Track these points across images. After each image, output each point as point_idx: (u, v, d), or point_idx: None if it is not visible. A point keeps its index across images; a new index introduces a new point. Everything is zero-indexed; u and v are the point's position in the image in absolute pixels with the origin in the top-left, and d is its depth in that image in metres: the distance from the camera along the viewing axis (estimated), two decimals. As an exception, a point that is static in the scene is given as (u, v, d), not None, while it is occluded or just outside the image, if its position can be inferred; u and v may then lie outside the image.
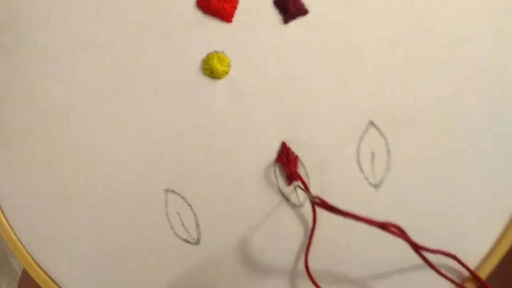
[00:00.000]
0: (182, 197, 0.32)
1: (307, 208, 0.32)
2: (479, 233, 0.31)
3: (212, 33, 0.31)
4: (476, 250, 0.31)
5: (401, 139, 0.31)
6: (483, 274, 0.31)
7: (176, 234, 0.32)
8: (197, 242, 0.32)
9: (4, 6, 0.32)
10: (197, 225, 0.32)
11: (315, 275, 0.31)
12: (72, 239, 0.33)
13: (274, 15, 0.31)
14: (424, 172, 0.31)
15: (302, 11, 0.31)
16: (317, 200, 0.28)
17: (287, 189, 0.32)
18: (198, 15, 0.31)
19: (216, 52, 0.31)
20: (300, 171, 0.31)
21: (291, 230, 0.32)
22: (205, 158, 0.32)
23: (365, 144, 0.31)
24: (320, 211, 0.30)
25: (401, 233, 0.28)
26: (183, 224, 0.32)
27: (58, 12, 0.32)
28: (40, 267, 0.33)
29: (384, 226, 0.27)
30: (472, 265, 0.31)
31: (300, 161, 0.31)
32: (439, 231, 0.31)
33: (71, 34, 0.32)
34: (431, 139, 0.31)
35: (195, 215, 0.32)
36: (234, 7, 0.31)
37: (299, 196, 0.32)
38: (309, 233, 0.31)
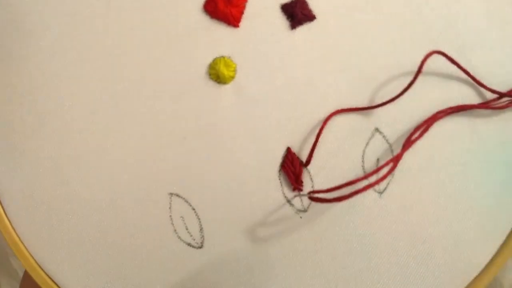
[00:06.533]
0: (186, 201, 0.32)
1: (311, 213, 0.32)
2: (482, 240, 0.31)
3: (218, 38, 0.31)
4: (479, 256, 0.31)
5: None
6: (486, 281, 0.31)
7: (179, 237, 0.32)
8: (201, 246, 0.32)
9: (9, 10, 0.32)
10: (201, 229, 0.32)
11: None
12: (75, 241, 0.33)
13: (281, 21, 0.31)
14: (428, 178, 0.31)
15: (309, 17, 0.31)
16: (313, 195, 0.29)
17: (291, 194, 0.32)
18: (205, 19, 0.31)
19: (223, 57, 0.31)
20: (305, 176, 0.31)
21: (295, 235, 0.32)
22: (209, 162, 0.32)
23: (370, 150, 0.31)
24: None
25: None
26: (186, 228, 0.32)
27: (64, 15, 0.32)
28: (42, 269, 0.33)
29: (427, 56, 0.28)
30: (474, 272, 0.31)
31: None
32: (442, 238, 0.31)
33: (77, 36, 0.32)
34: (436, 146, 0.31)
35: (199, 219, 0.32)
36: (241, 12, 0.31)
37: (303, 201, 0.32)
38: (313, 238, 0.31)
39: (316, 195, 0.29)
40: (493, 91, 0.31)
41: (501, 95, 0.30)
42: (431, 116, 0.30)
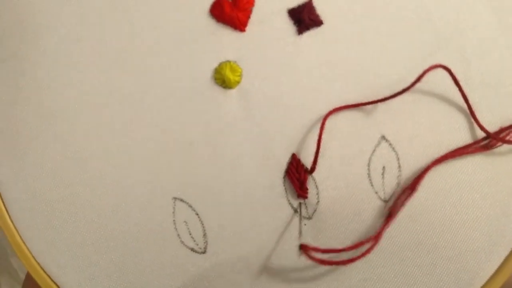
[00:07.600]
0: (190, 206, 0.32)
1: (315, 220, 0.31)
2: (488, 251, 0.31)
3: (224, 42, 0.31)
4: (484, 267, 0.31)
5: (412, 154, 0.31)
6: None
7: (182, 242, 0.32)
8: (204, 252, 0.32)
9: (14, 10, 0.32)
10: (204, 235, 0.32)
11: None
12: (78, 245, 0.33)
13: (288, 26, 0.31)
14: (434, 187, 0.31)
15: (317, 22, 0.30)
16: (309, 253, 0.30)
17: (296, 201, 0.31)
18: (211, 23, 0.31)
19: (229, 61, 0.31)
20: (310, 182, 0.31)
21: (299, 243, 0.31)
22: (214, 167, 0.32)
23: (376, 158, 0.31)
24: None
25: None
26: (190, 233, 0.32)
27: (70, 17, 0.32)
28: (45, 271, 0.33)
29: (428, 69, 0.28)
30: (479, 283, 0.31)
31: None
32: (448, 248, 0.31)
33: (83, 39, 0.32)
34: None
35: (202, 224, 0.32)
36: (248, 17, 0.31)
37: (308, 208, 0.31)
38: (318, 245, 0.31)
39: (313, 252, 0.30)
40: (482, 129, 0.30)
41: (489, 136, 0.30)
42: (411, 184, 0.30)
